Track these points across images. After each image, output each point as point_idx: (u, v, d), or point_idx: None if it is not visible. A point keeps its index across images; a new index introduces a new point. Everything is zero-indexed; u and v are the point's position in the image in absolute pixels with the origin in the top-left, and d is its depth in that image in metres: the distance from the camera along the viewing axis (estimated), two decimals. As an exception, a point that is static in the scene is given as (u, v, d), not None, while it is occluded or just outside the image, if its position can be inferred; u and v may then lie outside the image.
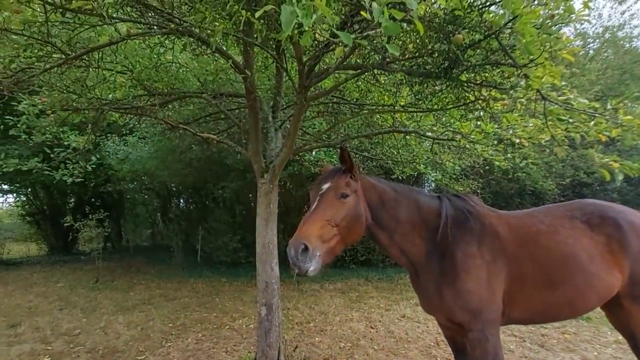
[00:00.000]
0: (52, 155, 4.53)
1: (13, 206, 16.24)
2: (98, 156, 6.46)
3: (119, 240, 16.81)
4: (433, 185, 11.26)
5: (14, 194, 14.49)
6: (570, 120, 2.74)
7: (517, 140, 3.30)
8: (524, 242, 2.43)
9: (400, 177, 5.23)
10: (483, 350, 2.23)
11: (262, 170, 3.79)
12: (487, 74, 2.62)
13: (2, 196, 13.65)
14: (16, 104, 3.71)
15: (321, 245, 1.99)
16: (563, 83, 2.62)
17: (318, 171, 6.04)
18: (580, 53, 10.59)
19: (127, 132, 8.83)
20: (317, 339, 4.80)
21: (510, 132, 3.30)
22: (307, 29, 1.00)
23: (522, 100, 3.02)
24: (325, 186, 2.17)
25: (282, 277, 3.90)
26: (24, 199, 14.87)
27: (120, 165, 8.77)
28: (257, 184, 3.88)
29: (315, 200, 2.16)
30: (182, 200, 14.99)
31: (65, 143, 4.37)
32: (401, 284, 8.08)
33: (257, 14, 1.17)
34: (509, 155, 4.39)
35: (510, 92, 2.81)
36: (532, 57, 2.13)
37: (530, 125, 3.22)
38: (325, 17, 1.01)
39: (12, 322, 5.56)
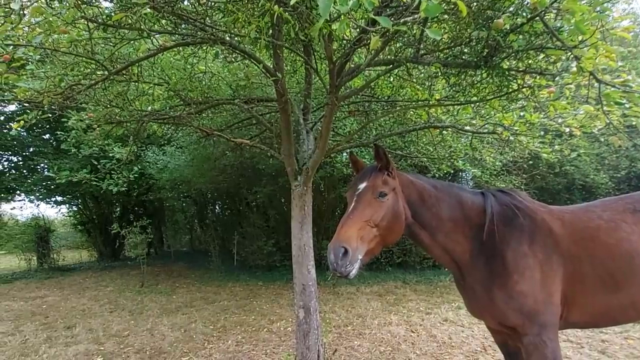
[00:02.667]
0: (98, 167, 4.85)
1: (66, 216, 17.54)
2: (140, 166, 6.85)
3: (160, 246, 17.65)
4: (471, 183, 10.82)
5: (67, 205, 15.64)
6: (627, 105, 2.49)
7: (567, 130, 3.05)
8: (581, 238, 2.24)
9: (436, 175, 5.05)
10: (540, 356, 2.06)
11: (295, 172, 3.79)
12: (531, 60, 2.45)
13: (56, 207, 14.77)
14: (66, 120, 4.00)
15: (361, 247, 1.92)
16: (619, 63, 2.40)
17: (348, 164, 5.95)
18: (631, 33, 9.75)
19: (165, 142, 9.26)
20: (356, 342, 4.71)
21: (559, 120, 3.06)
22: (342, 17, 0.96)
23: (571, 86, 2.80)
24: (362, 185, 2.09)
25: (317, 281, 3.87)
26: (75, 209, 16.02)
27: (160, 174, 9.19)
28: (290, 188, 3.89)
29: (353, 201, 2.08)
30: (217, 207, 15.48)
31: (110, 155, 4.66)
32: (441, 287, 7.78)
33: (292, 2, 1.13)
34: (556, 147, 4.09)
35: (557, 78, 2.61)
36: (582, 37, 1.96)
37: (581, 112, 2.97)
38: (362, 3, 0.96)
39: (68, 324, 5.95)
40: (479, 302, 2.26)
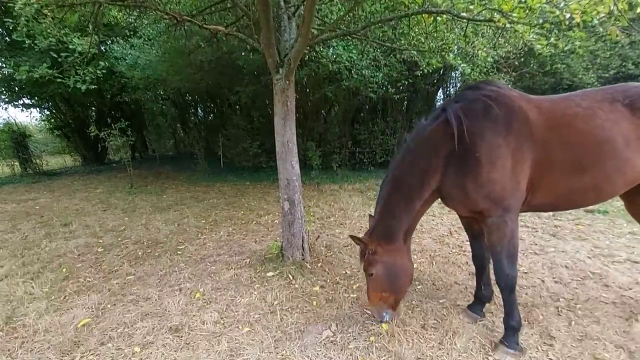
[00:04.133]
0: (60, 60, 4.43)
1: (40, 121, 16.79)
2: (107, 62, 6.29)
3: (145, 150, 17.56)
4: (459, 85, 10.57)
5: (37, 109, 14.82)
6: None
7: (568, 16, 2.84)
8: (556, 125, 2.31)
9: (425, 71, 4.83)
10: (500, 234, 2.30)
11: (276, 65, 3.55)
12: None
13: (26, 110, 13.96)
14: (12, 4, 3.46)
15: (385, 306, 2.58)
16: None
17: (335, 59, 5.63)
18: None
19: (131, 33, 8.35)
20: (337, 230, 5.17)
21: (562, 4, 2.82)
22: None
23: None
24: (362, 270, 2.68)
25: (301, 179, 4.00)
26: (48, 113, 15.25)
27: (131, 71, 8.53)
28: (272, 84, 3.69)
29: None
30: (199, 109, 14.98)
31: (71, 47, 4.24)
32: (419, 184, 8.25)
33: None
34: (552, 39, 3.87)
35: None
36: None
37: (586, -4, 2.72)
38: None
39: (64, 222, 6.21)
40: (452, 193, 2.42)
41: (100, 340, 2.72)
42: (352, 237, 2.57)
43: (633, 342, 2.43)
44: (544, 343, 2.48)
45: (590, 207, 5.47)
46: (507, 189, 2.26)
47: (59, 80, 4.36)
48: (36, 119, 16.67)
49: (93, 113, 15.54)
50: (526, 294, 3.15)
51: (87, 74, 4.48)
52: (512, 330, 2.39)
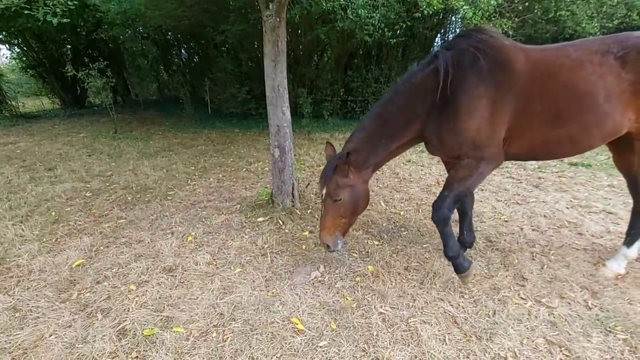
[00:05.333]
0: (24, -13, 3.99)
1: (11, 59, 15.61)
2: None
3: (127, 94, 16.77)
4: (458, 31, 10.08)
5: (7, 45, 13.69)
6: None
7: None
8: (539, 76, 2.30)
9: (425, 13, 4.55)
10: (465, 174, 2.40)
11: (265, -1, 3.28)
12: None
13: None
14: None
15: (338, 234, 2.62)
16: None
17: None
18: None
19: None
20: (327, 179, 5.21)
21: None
22: None
23: None
24: (323, 193, 2.61)
25: (292, 127, 3.91)
26: (18, 50, 14.14)
27: (106, 5, 7.81)
28: (262, 22, 3.44)
29: (322, 204, 2.67)
30: (183, 50, 14.10)
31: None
32: (410, 134, 8.23)
33: None
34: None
35: None
36: None
37: None
38: None
39: (49, 166, 6.08)
40: (433, 145, 2.53)
41: (96, 279, 2.81)
42: (329, 144, 2.70)
43: (597, 283, 2.64)
44: (517, 284, 2.67)
45: (573, 160, 5.60)
46: (483, 138, 2.31)
47: (26, 12, 3.98)
48: (6, 57, 15.53)
49: (68, 52, 14.50)
50: (505, 240, 3.32)
51: (57, 5, 4.08)
52: (452, 259, 2.53)
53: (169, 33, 12.46)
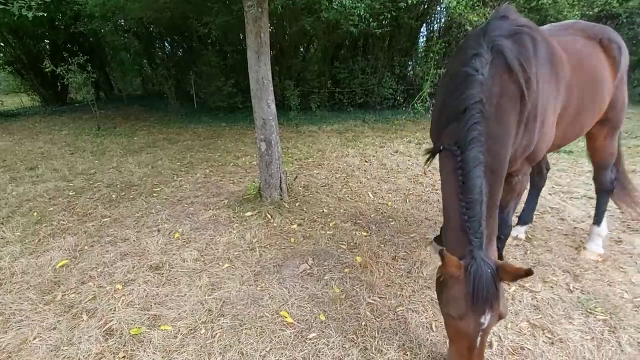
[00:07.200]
0: (-6, -21, 3.82)
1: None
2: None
3: (110, 89, 16.38)
4: (443, 20, 10.08)
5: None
6: None
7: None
8: (576, 66, 2.06)
9: (409, 2, 4.52)
10: (518, 192, 2.16)
11: (246, -10, 3.21)
12: None
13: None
14: None
15: None
16: None
17: None
18: None
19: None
20: (315, 171, 5.21)
21: None
22: None
23: None
24: (488, 319, 1.46)
25: (279, 121, 3.87)
26: (-6, 46, 13.62)
27: (84, -3, 7.57)
28: (244, 12, 3.37)
29: (478, 339, 1.50)
30: (166, 43, 13.80)
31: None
32: (396, 125, 8.26)
33: None
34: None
35: None
36: None
37: None
38: None
39: (30, 165, 5.91)
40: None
41: (81, 279, 2.76)
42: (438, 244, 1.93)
43: (579, 267, 2.71)
44: (501, 269, 2.72)
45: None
46: (547, 146, 1.95)
47: (0, 6, 3.83)
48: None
49: (47, 46, 14.03)
50: (490, 227, 3.37)
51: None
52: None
53: (151, 26, 12.16)
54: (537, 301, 2.37)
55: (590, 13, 8.50)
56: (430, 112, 8.17)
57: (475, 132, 1.57)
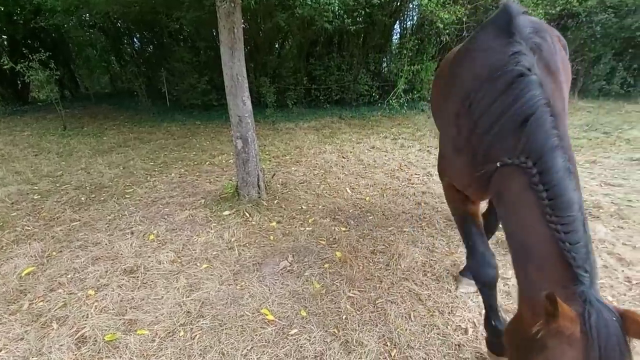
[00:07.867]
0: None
1: None
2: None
3: (76, 87, 15.60)
4: (415, 18, 10.26)
5: None
6: None
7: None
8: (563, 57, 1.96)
9: (380, 0, 4.57)
10: None
11: (217, -16, 3.14)
12: None
13: None
14: None
15: None
16: None
17: None
18: None
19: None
20: (293, 168, 5.19)
21: None
22: None
23: None
24: None
25: (256, 118, 3.83)
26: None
27: (44, -11, 7.15)
28: (216, 7, 3.30)
29: None
30: (135, 39, 13.26)
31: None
32: (373, 121, 8.36)
33: None
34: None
35: None
36: None
37: None
38: None
39: (-11, 169, 5.56)
40: None
41: (49, 287, 2.63)
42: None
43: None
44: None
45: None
46: None
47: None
48: None
49: (4, 42, 13.17)
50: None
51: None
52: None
53: (119, 21, 11.65)
54: (508, 287, 2.48)
55: (553, 12, 8.91)
56: (405, 108, 8.32)
57: (555, 138, 1.26)
